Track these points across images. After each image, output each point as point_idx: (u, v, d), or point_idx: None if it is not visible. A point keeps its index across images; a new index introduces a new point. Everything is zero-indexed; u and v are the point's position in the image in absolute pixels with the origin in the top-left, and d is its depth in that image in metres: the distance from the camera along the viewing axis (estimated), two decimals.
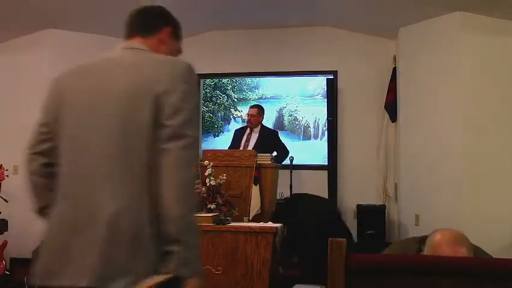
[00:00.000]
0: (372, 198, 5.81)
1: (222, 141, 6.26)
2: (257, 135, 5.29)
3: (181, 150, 1.35)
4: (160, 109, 1.37)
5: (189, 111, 1.39)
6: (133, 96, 1.39)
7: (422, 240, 1.77)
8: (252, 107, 5.58)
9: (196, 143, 1.42)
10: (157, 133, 1.36)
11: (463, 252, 1.62)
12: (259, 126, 5.37)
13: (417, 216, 5.15)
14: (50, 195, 1.50)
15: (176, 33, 1.65)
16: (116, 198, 1.36)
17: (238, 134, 5.47)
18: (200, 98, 6.65)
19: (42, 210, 1.58)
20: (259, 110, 5.44)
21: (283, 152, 5.25)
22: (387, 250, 2.04)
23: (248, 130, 5.38)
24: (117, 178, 1.38)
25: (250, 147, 5.14)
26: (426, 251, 1.69)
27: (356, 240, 5.50)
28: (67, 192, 1.45)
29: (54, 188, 1.49)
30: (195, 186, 1.43)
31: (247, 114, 5.52)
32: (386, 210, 5.57)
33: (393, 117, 5.78)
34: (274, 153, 4.79)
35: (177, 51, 1.66)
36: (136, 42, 1.55)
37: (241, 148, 5.17)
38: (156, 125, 1.36)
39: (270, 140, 5.26)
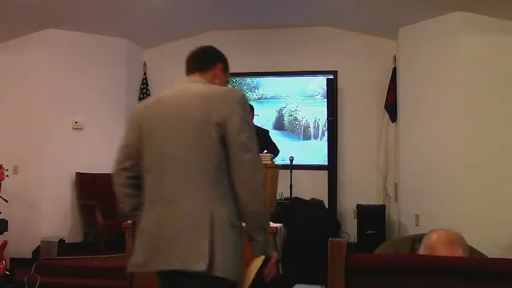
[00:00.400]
0: (372, 198, 5.81)
1: None
2: None
3: (252, 160, 1.76)
4: (225, 129, 1.75)
5: (250, 129, 1.79)
6: (202, 120, 1.76)
7: (416, 239, 1.77)
8: None
9: (259, 153, 1.83)
10: (226, 148, 1.76)
11: (458, 252, 1.63)
12: None
13: (417, 216, 5.15)
14: (134, 201, 1.93)
15: (226, 67, 2.07)
16: (196, 201, 1.74)
17: None
18: None
19: (130, 213, 1.98)
20: None
21: (274, 151, 5.19)
22: (379, 249, 2.03)
23: None
24: (195, 185, 1.76)
25: None
26: (422, 250, 1.69)
27: (356, 240, 5.50)
28: (154, 198, 1.83)
29: (137, 196, 1.91)
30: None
31: None
32: (386, 210, 5.57)
33: (393, 117, 5.78)
34: (265, 152, 4.75)
35: (226, 82, 2.08)
36: (197, 77, 1.97)
37: None
38: (224, 141, 1.75)
39: (260, 139, 5.22)
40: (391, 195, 5.76)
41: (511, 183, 4.70)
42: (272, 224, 3.82)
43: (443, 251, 1.63)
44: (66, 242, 5.37)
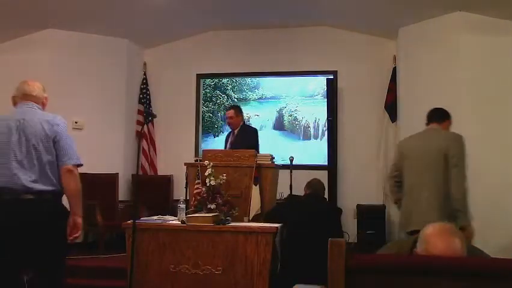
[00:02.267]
0: (372, 198, 5.81)
1: (222, 141, 6.23)
2: (235, 135, 5.20)
3: (459, 171, 3.29)
4: (448, 154, 3.30)
5: (461, 156, 3.33)
6: (436, 149, 3.34)
7: (417, 238, 1.78)
8: (227, 109, 5.47)
9: (464, 168, 3.33)
10: (447, 164, 3.29)
11: (455, 242, 1.64)
12: (239, 127, 5.23)
13: None
14: (398, 194, 3.57)
15: (450, 122, 3.58)
16: (428, 190, 3.31)
17: (227, 137, 5.40)
18: (200, 98, 6.66)
19: (396, 202, 3.62)
20: (236, 111, 5.24)
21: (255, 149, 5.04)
22: (382, 250, 2.04)
23: (232, 132, 5.32)
24: (430, 184, 3.32)
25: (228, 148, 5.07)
26: (419, 245, 1.70)
27: (356, 240, 5.50)
28: (409, 191, 3.44)
29: (399, 192, 3.55)
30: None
31: (226, 117, 5.42)
32: (386, 210, 5.57)
33: (393, 117, 5.78)
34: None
35: (448, 130, 3.56)
36: (435, 126, 3.52)
37: None
38: (447, 161, 3.29)
39: (244, 137, 5.09)
40: None
41: (511, 183, 4.70)
42: (272, 224, 3.83)
43: (439, 242, 1.65)
44: None
